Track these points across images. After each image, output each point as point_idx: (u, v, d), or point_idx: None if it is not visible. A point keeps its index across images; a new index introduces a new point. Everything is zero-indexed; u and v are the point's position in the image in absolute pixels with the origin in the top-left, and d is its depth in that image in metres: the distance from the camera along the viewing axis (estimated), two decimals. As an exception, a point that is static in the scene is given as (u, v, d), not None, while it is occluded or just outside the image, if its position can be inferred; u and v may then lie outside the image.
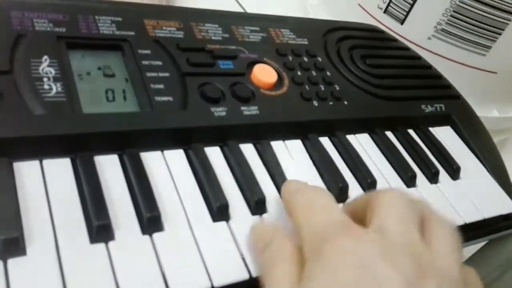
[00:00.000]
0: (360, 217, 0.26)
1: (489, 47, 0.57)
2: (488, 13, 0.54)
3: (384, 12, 0.60)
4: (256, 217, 0.30)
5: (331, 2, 0.70)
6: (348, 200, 0.33)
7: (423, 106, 0.44)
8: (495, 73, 0.59)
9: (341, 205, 0.29)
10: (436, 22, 0.56)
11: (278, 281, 0.24)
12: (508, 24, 0.55)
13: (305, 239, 0.24)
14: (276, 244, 0.26)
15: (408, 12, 0.57)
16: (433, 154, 0.41)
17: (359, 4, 0.64)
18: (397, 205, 0.25)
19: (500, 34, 0.56)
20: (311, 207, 0.26)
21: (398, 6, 0.58)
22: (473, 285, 0.24)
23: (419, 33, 0.50)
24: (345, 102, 0.40)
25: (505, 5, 0.53)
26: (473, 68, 0.56)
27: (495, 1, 0.53)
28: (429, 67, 0.50)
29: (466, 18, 0.55)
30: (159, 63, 0.35)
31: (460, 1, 0.54)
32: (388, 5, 0.59)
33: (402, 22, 0.58)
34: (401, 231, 0.23)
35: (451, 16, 0.56)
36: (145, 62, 0.34)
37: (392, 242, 0.23)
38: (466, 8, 0.55)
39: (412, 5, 0.57)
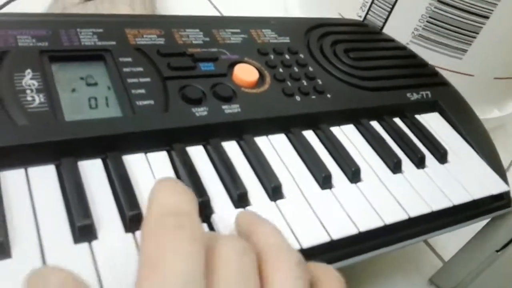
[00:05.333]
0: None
1: (465, 51, 0.58)
2: (463, 18, 0.56)
3: (363, 20, 0.61)
4: (240, 210, 0.31)
5: (311, 12, 0.72)
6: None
7: (408, 94, 0.45)
8: (472, 75, 0.61)
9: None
10: (414, 28, 0.58)
11: None
12: (482, 27, 0.56)
13: None
14: None
15: (386, 20, 0.59)
16: (419, 140, 0.42)
17: (339, 13, 0.65)
18: (234, 260, 0.21)
19: (475, 38, 0.57)
20: (153, 278, 0.19)
21: (376, 13, 0.60)
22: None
23: (397, 39, 0.52)
24: (328, 95, 0.41)
25: (478, 9, 0.55)
26: (450, 72, 0.57)
27: (469, 6, 0.54)
28: (414, 56, 0.51)
29: (441, 23, 0.57)
30: (140, 69, 0.36)
31: (435, 7, 0.55)
32: (367, 13, 0.61)
33: (380, 29, 0.60)
34: None
35: (427, 22, 0.57)
36: (126, 69, 0.35)
37: None
38: (441, 14, 0.56)
39: (390, 12, 0.58)
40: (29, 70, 0.33)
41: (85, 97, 0.33)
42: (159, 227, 0.21)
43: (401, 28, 0.57)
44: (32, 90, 0.31)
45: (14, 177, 0.28)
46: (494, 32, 0.57)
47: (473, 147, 0.43)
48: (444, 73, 0.49)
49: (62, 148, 0.30)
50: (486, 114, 0.67)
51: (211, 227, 0.29)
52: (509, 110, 0.70)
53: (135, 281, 0.20)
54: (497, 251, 0.42)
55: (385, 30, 0.58)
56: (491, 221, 0.44)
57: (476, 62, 0.60)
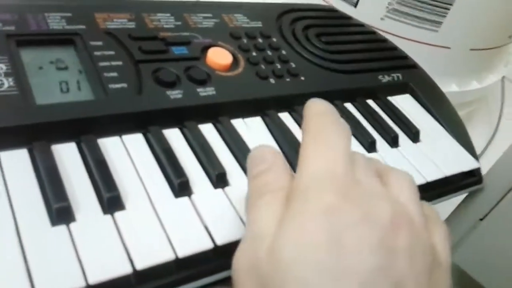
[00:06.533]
0: None
1: (440, 23, 0.58)
2: (436, -10, 0.56)
3: (338, -6, 0.62)
4: (219, 190, 0.30)
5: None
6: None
7: (380, 77, 0.45)
8: (449, 48, 0.61)
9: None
10: (387, 2, 0.58)
11: (261, 216, 0.23)
12: (455, -1, 0.57)
13: (298, 178, 0.23)
14: (272, 175, 0.25)
15: (360, -5, 0.59)
16: (392, 120, 0.42)
17: (316, -9, 0.65)
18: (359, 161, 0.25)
19: (449, 9, 0.57)
20: (320, 146, 0.24)
21: (350, -12, 0.60)
22: (433, 220, 0.26)
23: (372, 14, 0.52)
24: (302, 78, 0.41)
25: (452, -19, 0.55)
26: (427, 45, 0.57)
27: (441, -22, 0.55)
28: (384, 40, 0.51)
29: (415, -4, 0.57)
30: (112, 53, 0.35)
31: (408, -20, 0.56)
32: (341, -11, 0.61)
33: (355, 5, 0.60)
34: (374, 184, 0.24)
35: (400, -5, 0.57)
36: (97, 53, 0.35)
37: (376, 192, 0.23)
38: (414, -13, 0.56)
39: (363, -12, 0.58)
40: (-4, 54, 0.31)
41: (56, 81, 0.32)
42: (321, 119, 0.26)
43: (375, 3, 0.57)
44: (0, 74, 0.30)
45: (-16, 162, 0.27)
46: (467, 3, 0.57)
47: (443, 127, 0.44)
48: (420, 47, 0.48)
49: (35, 132, 0.29)
50: (465, 86, 0.66)
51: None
52: (488, 81, 0.69)
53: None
54: (481, 219, 0.43)
55: (359, 6, 0.58)
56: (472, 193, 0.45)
57: (451, 34, 0.59)
